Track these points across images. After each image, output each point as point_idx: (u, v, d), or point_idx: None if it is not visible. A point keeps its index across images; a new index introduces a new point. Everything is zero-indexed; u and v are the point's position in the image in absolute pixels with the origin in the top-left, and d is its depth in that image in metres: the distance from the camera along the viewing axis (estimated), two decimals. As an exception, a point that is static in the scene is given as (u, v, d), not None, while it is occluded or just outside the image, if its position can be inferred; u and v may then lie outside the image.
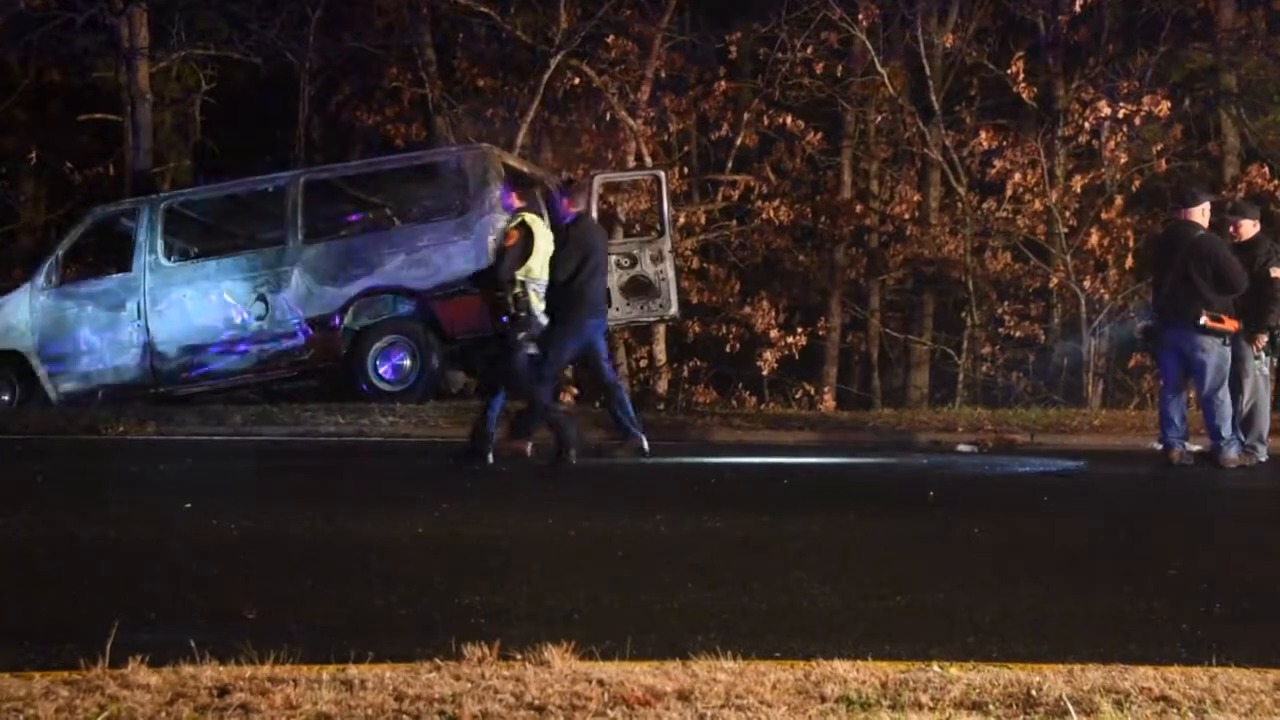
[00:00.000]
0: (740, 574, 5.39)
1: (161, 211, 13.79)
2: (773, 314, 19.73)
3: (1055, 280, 18.92)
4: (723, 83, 19.30)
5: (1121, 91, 18.28)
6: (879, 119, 20.67)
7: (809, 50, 18.67)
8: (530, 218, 9.03)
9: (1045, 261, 19.20)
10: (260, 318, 13.13)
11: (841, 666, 3.77)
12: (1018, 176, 18.83)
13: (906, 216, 20.32)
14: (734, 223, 20.39)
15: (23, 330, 13.77)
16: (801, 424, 13.41)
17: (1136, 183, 19.04)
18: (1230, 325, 9.74)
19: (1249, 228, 10.09)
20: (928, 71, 18.77)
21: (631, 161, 18.30)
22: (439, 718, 3.34)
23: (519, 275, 8.87)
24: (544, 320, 9.06)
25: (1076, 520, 7.42)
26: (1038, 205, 18.90)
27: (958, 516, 7.23)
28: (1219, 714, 3.44)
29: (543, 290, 8.98)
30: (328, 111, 20.62)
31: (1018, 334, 19.80)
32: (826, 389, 20.14)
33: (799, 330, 19.75)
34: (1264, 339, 9.97)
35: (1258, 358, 10.07)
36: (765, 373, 19.33)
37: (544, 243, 9.02)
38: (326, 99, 20.35)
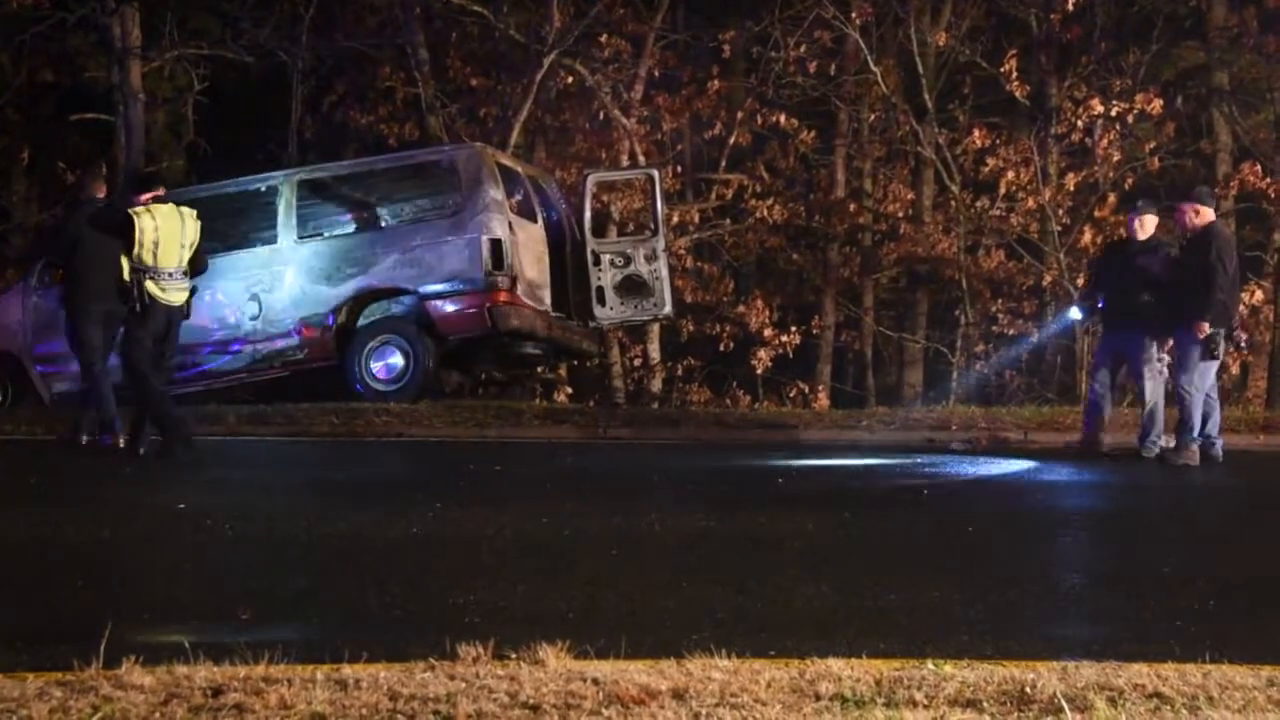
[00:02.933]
0: (734, 573, 5.39)
1: (154, 211, 13.73)
2: (766, 313, 19.70)
3: (1049, 278, 18.93)
4: (716, 81, 19.26)
5: (1114, 89, 18.29)
6: (872, 117, 20.65)
7: (802, 49, 18.65)
8: (138, 209, 9.15)
9: (1039, 260, 19.21)
10: (254, 317, 13.07)
11: (836, 664, 3.78)
12: (1011, 175, 18.82)
13: (900, 215, 20.32)
14: (728, 221, 20.36)
15: (15, 331, 13.72)
16: (795, 422, 13.40)
17: (1129, 181, 19.04)
18: None
19: (1151, 224, 10.00)
20: (921, 70, 18.76)
21: (625, 160, 18.27)
22: (434, 717, 3.34)
23: (130, 264, 9.05)
24: (173, 307, 9.23)
25: (1070, 518, 7.43)
26: (1031, 203, 18.90)
27: (952, 514, 7.24)
28: (1212, 710, 3.45)
29: (164, 279, 9.13)
30: (321, 111, 20.55)
31: (1011, 332, 19.81)
32: (820, 387, 20.13)
33: (793, 329, 19.73)
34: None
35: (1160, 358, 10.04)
36: (759, 371, 19.32)
37: (154, 232, 9.08)
38: (319, 98, 20.29)
